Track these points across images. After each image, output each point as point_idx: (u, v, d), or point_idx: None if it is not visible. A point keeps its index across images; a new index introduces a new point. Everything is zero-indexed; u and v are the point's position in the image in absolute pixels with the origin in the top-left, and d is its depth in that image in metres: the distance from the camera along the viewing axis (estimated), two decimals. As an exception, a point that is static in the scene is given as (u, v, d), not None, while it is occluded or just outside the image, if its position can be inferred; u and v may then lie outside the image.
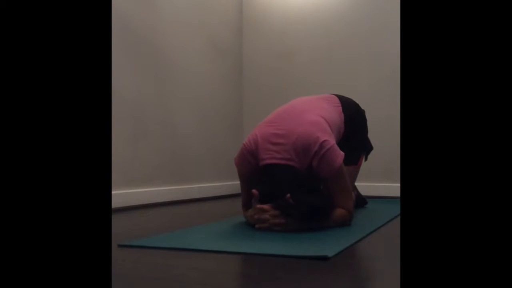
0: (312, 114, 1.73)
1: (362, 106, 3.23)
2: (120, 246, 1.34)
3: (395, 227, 1.75)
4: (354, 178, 2.09)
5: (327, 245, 1.30)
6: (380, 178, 3.05)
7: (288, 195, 1.51)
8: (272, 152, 1.65)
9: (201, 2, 3.12)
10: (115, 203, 2.32)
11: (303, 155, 1.62)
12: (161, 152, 2.72)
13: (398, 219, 1.98)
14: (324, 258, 1.15)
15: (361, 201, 2.41)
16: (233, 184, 3.30)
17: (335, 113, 1.87)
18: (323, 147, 1.60)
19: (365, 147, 2.15)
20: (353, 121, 1.98)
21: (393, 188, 3.04)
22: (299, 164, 1.62)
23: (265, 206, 1.57)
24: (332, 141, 1.64)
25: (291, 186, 1.54)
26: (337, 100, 1.98)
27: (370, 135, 3.21)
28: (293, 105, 1.83)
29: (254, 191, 1.60)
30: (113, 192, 2.31)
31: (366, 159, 2.17)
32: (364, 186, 2.95)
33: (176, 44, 2.87)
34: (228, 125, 3.35)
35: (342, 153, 1.63)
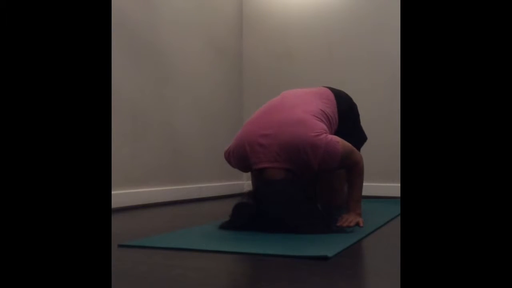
0: (301, 111, 1.69)
1: (362, 106, 3.22)
2: (120, 246, 1.34)
3: (395, 227, 1.75)
4: None
5: (327, 245, 1.30)
6: (380, 178, 3.05)
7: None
8: (261, 155, 1.63)
9: (201, 2, 3.12)
10: (115, 203, 2.32)
11: (295, 156, 1.60)
12: (161, 152, 2.72)
13: (398, 219, 1.98)
14: (324, 258, 1.15)
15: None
16: (233, 184, 3.30)
17: (327, 108, 1.82)
18: (318, 146, 1.59)
19: (359, 142, 2.09)
20: (346, 116, 1.93)
21: (393, 188, 3.04)
22: (290, 165, 1.61)
23: None
24: (325, 133, 1.63)
25: (282, 195, 1.53)
26: (330, 93, 1.92)
27: (370, 135, 3.21)
28: (283, 100, 1.79)
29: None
30: (113, 192, 2.31)
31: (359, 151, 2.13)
32: (364, 186, 2.94)
33: (176, 44, 2.87)
34: (228, 125, 3.35)
35: (338, 144, 1.62)
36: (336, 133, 1.82)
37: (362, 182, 1.80)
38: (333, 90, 1.96)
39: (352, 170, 1.75)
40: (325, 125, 1.72)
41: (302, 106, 1.72)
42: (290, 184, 1.60)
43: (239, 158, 1.72)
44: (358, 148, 2.06)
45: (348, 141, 1.73)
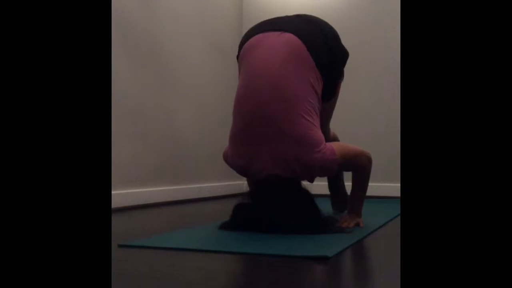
0: (295, 116, 1.55)
1: (363, 106, 3.23)
2: (120, 246, 1.34)
3: (395, 227, 1.75)
4: (331, 113, 1.93)
5: (327, 245, 1.30)
6: (380, 178, 3.05)
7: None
8: (262, 175, 1.59)
9: (201, 2, 3.12)
10: (115, 203, 2.32)
11: (291, 170, 1.58)
12: (161, 152, 2.72)
13: (398, 219, 1.98)
14: (324, 258, 1.15)
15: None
16: (233, 184, 3.30)
17: (311, 77, 1.61)
18: (313, 167, 1.56)
19: (340, 76, 1.84)
20: (324, 66, 1.66)
21: (393, 188, 3.04)
22: (290, 173, 1.58)
23: None
24: (323, 148, 1.56)
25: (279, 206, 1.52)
26: (306, 54, 1.61)
27: (370, 135, 3.21)
28: (270, 98, 1.55)
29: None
30: (113, 192, 2.31)
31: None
32: (364, 186, 2.94)
33: (176, 44, 2.87)
34: (228, 125, 3.33)
35: (335, 157, 1.56)
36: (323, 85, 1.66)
37: (366, 185, 1.77)
38: (303, 38, 1.63)
39: (356, 172, 1.74)
40: (316, 109, 1.61)
41: (294, 107, 1.55)
42: (289, 184, 1.59)
43: (239, 173, 1.73)
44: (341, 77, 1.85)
45: (331, 81, 1.65)
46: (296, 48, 1.61)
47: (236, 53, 1.81)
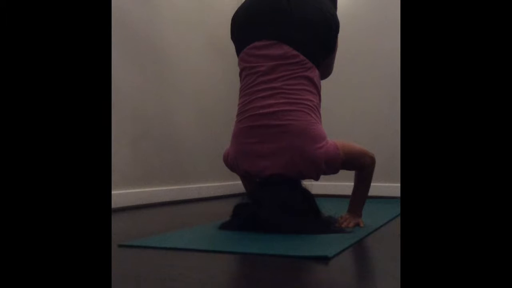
0: (296, 114, 1.59)
1: (363, 105, 3.23)
2: (120, 246, 1.34)
3: (395, 227, 1.75)
4: (332, 65, 1.89)
5: (327, 245, 1.30)
6: (380, 178, 3.05)
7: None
8: (265, 174, 1.60)
9: (202, 2, 3.12)
10: (115, 203, 2.32)
11: (295, 168, 1.58)
12: (161, 152, 2.72)
13: (398, 219, 1.98)
14: (324, 258, 1.15)
15: None
16: (233, 184, 3.30)
17: (312, 80, 1.66)
18: (319, 163, 1.57)
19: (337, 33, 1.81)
20: (317, 57, 1.71)
21: (393, 188, 3.04)
22: (290, 171, 1.59)
23: None
24: (325, 143, 1.58)
25: (277, 206, 1.52)
26: (307, 61, 1.66)
27: (370, 135, 3.21)
28: (272, 101, 1.61)
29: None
30: (113, 192, 2.31)
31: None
32: (364, 186, 2.94)
33: (176, 43, 2.87)
34: (228, 125, 3.34)
35: (338, 152, 1.59)
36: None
37: (367, 186, 1.77)
38: (304, 51, 1.66)
39: (358, 172, 1.74)
40: (318, 107, 1.66)
41: (296, 105, 1.60)
42: (289, 184, 1.59)
43: (240, 175, 1.74)
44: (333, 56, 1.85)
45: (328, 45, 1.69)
46: (297, 61, 1.64)
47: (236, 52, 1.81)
